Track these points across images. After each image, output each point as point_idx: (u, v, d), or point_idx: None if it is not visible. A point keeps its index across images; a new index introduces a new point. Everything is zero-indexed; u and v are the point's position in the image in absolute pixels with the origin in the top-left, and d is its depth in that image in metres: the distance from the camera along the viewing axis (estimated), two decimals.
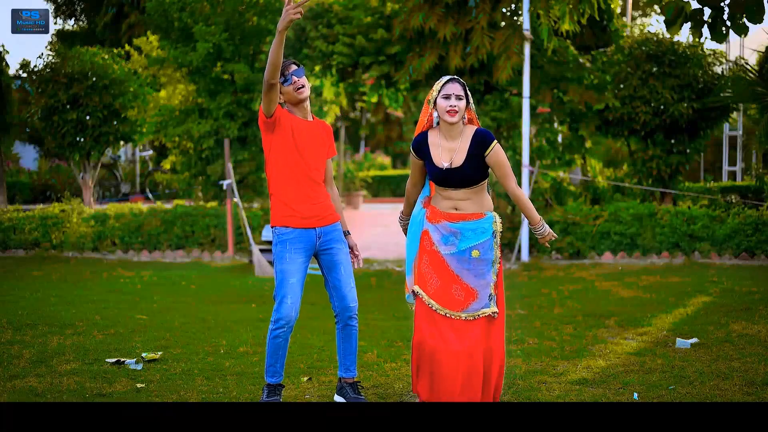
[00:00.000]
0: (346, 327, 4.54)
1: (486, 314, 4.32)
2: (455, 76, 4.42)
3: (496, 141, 4.36)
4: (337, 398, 4.65)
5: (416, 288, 4.40)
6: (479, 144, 4.33)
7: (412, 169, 4.56)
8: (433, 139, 4.41)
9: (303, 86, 4.38)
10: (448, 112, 4.30)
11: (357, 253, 4.63)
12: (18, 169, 20.08)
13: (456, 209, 4.38)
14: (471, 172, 4.32)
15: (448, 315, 4.31)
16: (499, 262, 4.42)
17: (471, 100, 4.41)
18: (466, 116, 4.42)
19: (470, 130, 4.39)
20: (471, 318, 4.31)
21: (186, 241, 12.16)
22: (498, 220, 4.44)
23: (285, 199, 4.40)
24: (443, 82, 4.37)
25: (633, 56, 12.22)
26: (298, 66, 4.41)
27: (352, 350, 4.58)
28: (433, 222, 4.42)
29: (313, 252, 4.48)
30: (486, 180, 4.43)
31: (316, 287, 9.03)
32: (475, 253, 4.34)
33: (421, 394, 4.42)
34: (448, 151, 4.36)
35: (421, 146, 4.43)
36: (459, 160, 4.33)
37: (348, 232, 4.64)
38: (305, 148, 4.40)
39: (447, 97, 4.32)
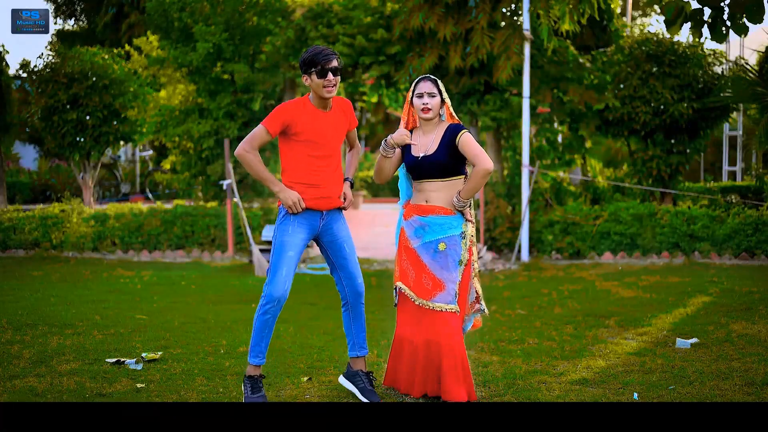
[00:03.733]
0: (355, 306, 4.63)
1: (451, 310, 4.49)
2: (428, 75, 4.63)
3: (466, 130, 4.56)
4: (344, 382, 4.65)
5: (399, 284, 4.61)
6: (451, 134, 4.54)
7: None
8: (413, 136, 4.66)
9: (334, 86, 4.41)
10: (422, 110, 4.56)
11: (347, 196, 4.59)
12: (18, 169, 20.09)
13: (426, 201, 4.57)
14: (443, 159, 4.51)
15: (420, 304, 4.51)
16: (466, 265, 4.56)
17: (445, 96, 4.62)
18: (445, 112, 4.63)
19: (444, 125, 4.62)
20: (439, 309, 4.47)
21: (186, 241, 12.16)
22: (470, 225, 4.62)
23: (296, 179, 4.43)
24: (416, 81, 4.61)
25: (633, 56, 12.22)
26: (339, 63, 4.41)
27: (363, 327, 4.67)
28: (407, 219, 4.65)
29: (315, 233, 4.53)
30: (461, 179, 4.59)
31: (317, 287, 9.04)
32: (441, 246, 4.52)
33: (395, 385, 4.65)
34: (425, 143, 4.60)
35: None
36: (432, 149, 4.55)
37: (351, 181, 4.64)
38: (318, 141, 4.43)
39: (420, 96, 4.56)
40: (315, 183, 4.44)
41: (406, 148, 4.62)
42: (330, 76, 4.37)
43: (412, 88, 4.60)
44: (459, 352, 4.45)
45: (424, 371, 4.48)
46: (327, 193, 4.47)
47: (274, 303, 4.34)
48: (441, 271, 4.51)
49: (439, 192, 4.56)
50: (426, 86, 4.53)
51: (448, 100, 4.61)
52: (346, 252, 4.57)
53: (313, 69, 4.37)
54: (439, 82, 4.58)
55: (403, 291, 4.58)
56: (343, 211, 4.64)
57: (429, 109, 4.53)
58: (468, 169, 4.65)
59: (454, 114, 4.66)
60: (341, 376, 4.72)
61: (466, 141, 4.50)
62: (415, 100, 4.57)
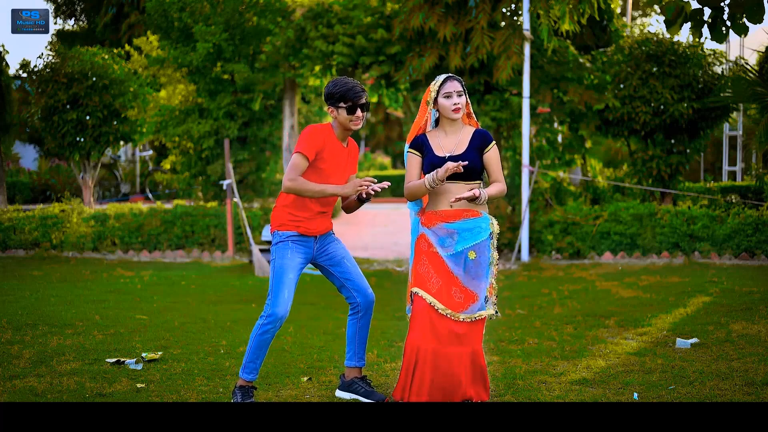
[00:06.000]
0: (365, 315, 4.62)
1: (483, 316, 4.36)
2: (451, 74, 4.52)
3: (495, 143, 4.51)
4: (342, 394, 4.65)
5: (416, 289, 4.39)
6: (481, 140, 4.47)
7: (410, 169, 4.54)
8: (433, 138, 4.52)
9: (360, 121, 4.47)
10: (453, 110, 4.42)
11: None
12: (18, 169, 20.10)
13: (450, 206, 4.39)
14: (476, 161, 4.41)
15: (449, 315, 4.32)
16: (496, 264, 4.46)
17: (467, 96, 4.55)
18: (465, 110, 4.56)
19: (470, 129, 4.53)
20: (469, 320, 4.34)
21: (186, 241, 12.16)
22: (495, 222, 4.50)
23: (295, 212, 4.47)
24: (440, 81, 4.47)
25: (633, 56, 12.21)
26: (367, 99, 4.46)
27: (366, 339, 4.68)
28: (429, 226, 4.45)
29: (310, 257, 4.56)
30: (480, 184, 4.50)
31: (316, 287, 9.04)
32: (471, 255, 4.37)
33: (413, 397, 4.34)
34: (449, 144, 4.48)
35: (421, 143, 4.52)
36: (460, 150, 4.44)
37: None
38: (331, 175, 4.46)
39: (448, 96, 4.43)
40: (311, 217, 4.48)
41: (429, 151, 4.48)
42: (359, 112, 4.42)
43: (435, 89, 4.46)
44: (482, 356, 4.38)
45: (455, 377, 4.30)
46: (319, 227, 4.52)
47: (276, 322, 4.36)
48: (473, 282, 4.38)
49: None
50: (455, 86, 4.43)
51: (468, 101, 4.56)
52: (348, 267, 4.58)
53: (342, 104, 4.40)
54: (462, 81, 4.51)
55: (423, 298, 4.33)
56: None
57: (460, 109, 4.43)
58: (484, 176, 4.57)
59: (472, 114, 4.61)
60: (337, 390, 4.71)
61: (496, 155, 4.48)
62: (442, 100, 4.44)
